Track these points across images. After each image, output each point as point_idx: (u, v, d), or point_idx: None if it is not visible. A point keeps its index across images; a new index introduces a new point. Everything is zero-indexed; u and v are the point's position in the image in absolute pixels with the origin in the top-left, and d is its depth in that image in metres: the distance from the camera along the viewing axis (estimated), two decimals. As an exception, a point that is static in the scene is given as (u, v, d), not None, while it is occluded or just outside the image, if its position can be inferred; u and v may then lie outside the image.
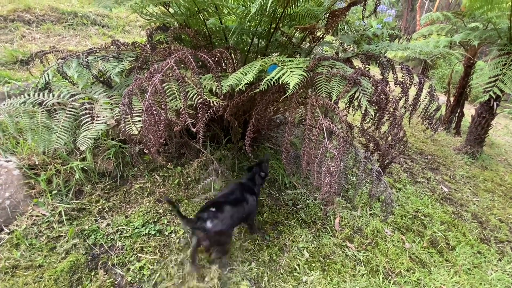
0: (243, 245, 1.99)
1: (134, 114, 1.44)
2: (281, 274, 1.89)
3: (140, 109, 1.38)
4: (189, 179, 2.36)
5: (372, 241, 2.35)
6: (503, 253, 2.60)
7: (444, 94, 5.25)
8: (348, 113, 2.45)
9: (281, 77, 1.09)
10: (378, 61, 2.05)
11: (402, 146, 2.44)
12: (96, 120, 1.47)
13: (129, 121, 1.34)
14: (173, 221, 2.00)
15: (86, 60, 1.62)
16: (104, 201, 1.96)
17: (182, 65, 1.54)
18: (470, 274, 2.29)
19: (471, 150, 4.01)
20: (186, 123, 1.33)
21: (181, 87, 1.29)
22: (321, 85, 1.24)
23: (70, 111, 1.48)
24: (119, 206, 1.98)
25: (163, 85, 1.31)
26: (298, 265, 1.96)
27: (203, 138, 2.26)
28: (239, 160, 2.64)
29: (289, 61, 1.19)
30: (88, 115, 1.46)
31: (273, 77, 1.12)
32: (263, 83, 1.15)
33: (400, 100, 1.90)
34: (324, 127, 1.17)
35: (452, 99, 4.81)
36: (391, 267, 2.16)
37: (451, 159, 3.91)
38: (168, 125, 1.40)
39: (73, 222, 1.76)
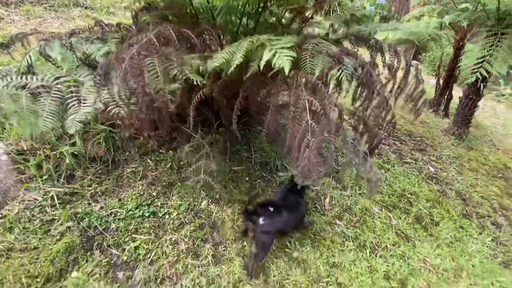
0: (236, 225, 2.06)
1: (120, 96, 1.44)
2: (273, 250, 1.98)
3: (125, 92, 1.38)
4: (181, 163, 2.38)
5: (361, 219, 2.45)
6: (483, 228, 2.76)
7: (435, 77, 5.32)
8: (338, 95, 2.49)
9: (272, 59, 1.10)
10: (368, 43, 2.07)
11: (391, 128, 2.51)
12: (83, 103, 1.46)
13: (115, 102, 1.34)
14: (167, 203, 2.04)
15: (69, 41, 1.58)
16: (96, 185, 1.97)
17: (166, 46, 1.53)
18: (452, 247, 2.43)
19: (458, 131, 4.13)
20: (168, 99, 1.33)
21: (164, 64, 1.29)
22: (305, 62, 1.26)
23: (55, 94, 1.47)
24: (112, 190, 2.00)
25: (146, 60, 1.30)
26: (290, 242, 2.04)
27: (194, 122, 2.27)
28: (231, 143, 2.67)
29: (277, 39, 1.20)
30: (75, 98, 1.45)
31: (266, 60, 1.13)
32: (261, 63, 1.14)
33: (388, 82, 1.94)
34: (306, 103, 1.20)
35: (441, 81, 4.88)
36: (378, 242, 2.27)
37: (438, 140, 4.03)
38: (152, 101, 1.41)
39: (66, 206, 1.79)
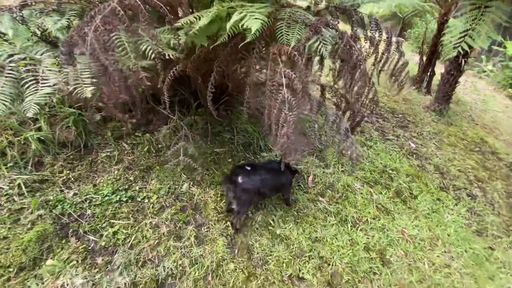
0: (219, 206, 2.07)
1: (85, 75, 1.35)
2: (257, 229, 2.02)
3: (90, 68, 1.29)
4: (160, 146, 2.33)
5: (343, 195, 2.53)
6: (459, 199, 2.92)
7: (419, 54, 5.37)
8: (321, 72, 2.47)
9: (241, 21, 1.04)
10: (349, 16, 2.02)
11: (373, 105, 2.53)
12: (42, 84, 1.36)
13: (79, 81, 1.26)
14: (145, 188, 2.01)
15: (21, 14, 1.45)
16: (68, 172, 1.90)
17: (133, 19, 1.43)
18: (429, 218, 2.57)
19: (438, 107, 4.26)
20: (143, 77, 1.27)
21: (132, 39, 1.21)
22: (281, 32, 1.22)
23: (9, 74, 1.36)
24: (86, 176, 1.94)
25: (111, 35, 1.22)
26: (273, 220, 2.09)
27: (170, 101, 2.19)
28: (212, 125, 2.63)
29: (250, 5, 1.14)
30: (32, 78, 1.35)
31: (234, 23, 1.07)
32: (228, 25, 1.09)
33: (369, 55, 1.93)
34: (282, 76, 1.18)
35: (424, 58, 4.94)
36: (359, 217, 2.37)
37: (420, 117, 4.15)
38: (124, 80, 1.34)
39: (36, 194, 1.72)
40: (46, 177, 1.82)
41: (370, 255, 2.06)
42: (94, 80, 1.41)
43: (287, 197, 2.22)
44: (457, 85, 4.19)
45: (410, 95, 4.83)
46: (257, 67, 1.97)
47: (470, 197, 2.97)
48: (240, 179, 1.86)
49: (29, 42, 1.52)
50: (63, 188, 1.81)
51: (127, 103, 2.32)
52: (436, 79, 5.11)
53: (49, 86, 1.34)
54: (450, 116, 4.38)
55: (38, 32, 1.51)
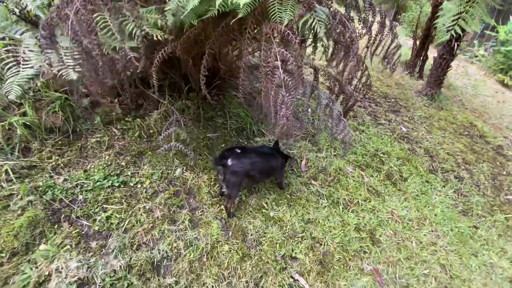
0: (213, 190, 2.09)
1: (68, 59, 1.31)
2: (250, 211, 2.06)
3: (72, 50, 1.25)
4: (151, 131, 2.31)
5: (335, 178, 2.59)
6: (447, 181, 3.03)
7: (412, 38, 5.37)
8: (314, 55, 2.45)
9: None
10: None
11: (366, 90, 2.55)
12: (24, 65, 1.31)
13: (62, 64, 1.22)
14: (138, 173, 2.01)
15: (-1, -10, 1.37)
16: (57, 157, 1.88)
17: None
18: (417, 199, 2.67)
19: (430, 92, 4.32)
20: (132, 58, 1.24)
21: (117, 19, 1.17)
22: (274, 10, 1.20)
23: (-11, 54, 1.30)
24: (76, 162, 1.92)
25: (94, 15, 1.18)
26: (266, 203, 2.13)
27: (160, 85, 2.16)
28: (204, 110, 2.61)
29: (240, -18, 1.11)
30: (13, 59, 1.30)
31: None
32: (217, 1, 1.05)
33: (361, 36, 1.92)
34: (277, 55, 1.17)
35: (418, 42, 4.95)
36: (351, 199, 2.44)
37: (411, 101, 4.21)
38: (111, 62, 1.30)
39: (25, 180, 1.70)
40: (34, 163, 1.80)
41: (361, 235, 2.14)
42: (78, 66, 1.37)
43: (280, 181, 2.25)
44: (449, 69, 4.24)
45: (403, 80, 4.87)
46: (250, 49, 1.95)
47: (457, 179, 3.09)
48: (229, 162, 1.87)
49: (7, 21, 1.45)
50: (52, 174, 1.79)
51: (115, 88, 2.28)
52: (429, 63, 5.16)
53: (31, 67, 1.30)
54: (441, 100, 4.46)
55: (17, 11, 1.44)
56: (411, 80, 5.02)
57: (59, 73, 1.38)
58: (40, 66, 1.37)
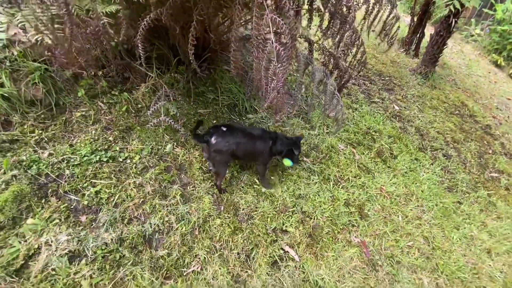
0: (205, 165, 2.10)
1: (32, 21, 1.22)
2: (242, 187, 2.09)
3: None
4: (139, 105, 2.25)
5: (327, 155, 2.62)
6: (435, 159, 3.12)
7: (410, 14, 5.26)
8: (309, 28, 2.38)
9: None
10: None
11: (361, 66, 2.52)
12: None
13: (35, 28, 1.14)
14: (126, 148, 1.98)
15: None
16: (40, 131, 1.82)
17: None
18: (406, 176, 2.76)
19: (425, 70, 4.31)
20: (105, 23, 1.17)
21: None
22: (267, -28, 1.13)
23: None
24: (61, 136, 1.87)
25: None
26: (258, 179, 2.16)
27: (147, 57, 2.07)
28: (194, 85, 2.54)
29: None
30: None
31: None
32: None
33: (358, 5, 1.87)
34: (269, 22, 1.13)
35: (415, 18, 4.86)
36: (341, 175, 2.49)
37: (406, 80, 4.21)
38: (84, 26, 1.23)
39: (6, 154, 1.65)
40: (16, 137, 1.74)
41: (350, 210, 2.21)
42: (48, 30, 1.28)
43: (261, 171, 2.10)
44: (445, 47, 4.21)
45: (398, 58, 4.83)
46: (241, 19, 1.87)
47: (445, 157, 3.18)
48: (213, 139, 1.83)
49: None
50: (36, 148, 1.74)
51: (99, 59, 2.18)
52: (425, 42, 5.10)
53: (2, 31, 1.21)
54: (435, 79, 4.48)
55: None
56: (407, 58, 4.98)
57: (34, 39, 1.30)
58: (14, 33, 1.28)
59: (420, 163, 2.97)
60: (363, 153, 2.80)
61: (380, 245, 2.06)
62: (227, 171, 2.03)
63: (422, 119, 3.58)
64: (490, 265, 2.21)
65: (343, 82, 2.58)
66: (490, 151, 3.55)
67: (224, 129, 1.89)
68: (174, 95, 2.30)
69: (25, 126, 1.80)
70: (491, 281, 2.09)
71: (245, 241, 1.78)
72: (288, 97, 3.16)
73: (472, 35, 8.69)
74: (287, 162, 2.08)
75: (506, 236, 2.51)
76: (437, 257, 2.13)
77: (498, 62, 7.17)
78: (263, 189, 2.11)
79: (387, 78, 4.12)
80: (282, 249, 1.83)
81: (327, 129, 2.92)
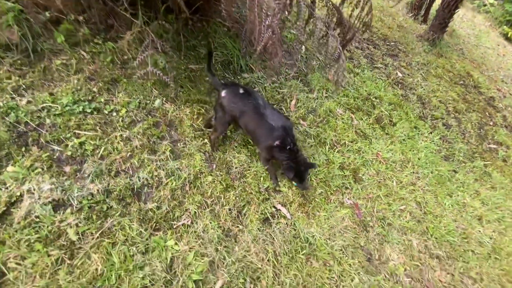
0: (196, 123, 2.04)
1: None
2: (235, 147, 2.05)
3: None
4: (125, 57, 2.12)
5: (324, 119, 2.58)
6: (435, 128, 3.11)
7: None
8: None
9: None
10: None
11: (366, 27, 2.38)
12: None
13: None
14: (112, 100, 1.89)
15: None
16: (17, 78, 1.72)
17: None
18: (403, 143, 2.75)
19: (432, 36, 4.16)
20: None
21: None
22: None
23: None
24: (40, 84, 1.77)
25: None
26: (252, 139, 2.12)
27: (132, 3, 1.91)
28: (185, 37, 2.40)
29: None
30: None
31: None
32: None
33: None
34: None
35: (427, -21, 4.59)
36: (338, 140, 2.47)
37: (411, 46, 4.06)
38: None
39: (-19, 99, 1.56)
40: (-10, 82, 1.64)
41: (344, 173, 2.22)
42: None
43: (262, 161, 1.96)
44: (457, 10, 4.02)
45: (406, 22, 4.63)
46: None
47: (445, 126, 3.17)
48: (223, 93, 1.79)
49: None
50: (14, 96, 1.65)
51: (80, 3, 2.00)
52: (435, 8, 4.87)
53: None
54: (442, 47, 4.33)
55: None
56: (414, 23, 4.78)
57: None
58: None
59: (419, 131, 2.96)
60: (362, 119, 2.76)
61: (372, 207, 2.10)
62: (225, 131, 1.98)
63: (425, 88, 3.51)
64: (479, 231, 2.28)
65: (346, 39, 2.45)
66: (491, 123, 3.54)
67: (242, 90, 1.81)
68: (163, 47, 2.16)
69: (1, 72, 1.69)
70: (480, 246, 2.17)
71: (237, 198, 1.78)
72: (287, 56, 3.04)
73: (485, 5, 8.34)
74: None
75: (499, 205, 2.58)
76: (428, 221, 2.19)
77: (509, 35, 6.97)
78: (257, 150, 2.06)
79: (392, 43, 3.97)
80: (274, 207, 1.84)
81: (326, 93, 2.84)
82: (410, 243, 2.00)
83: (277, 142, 1.76)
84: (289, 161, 1.77)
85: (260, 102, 1.81)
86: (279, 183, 1.97)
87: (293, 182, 1.91)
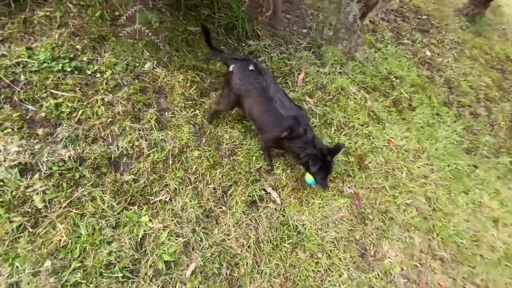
0: (188, 92, 1.84)
1: None
2: (229, 121, 1.86)
3: None
4: (116, 13, 1.90)
5: (334, 98, 2.30)
6: (460, 116, 2.75)
7: None
8: None
9: None
10: None
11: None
12: None
13: None
14: (96, 60, 1.72)
15: None
16: (-6, 28, 1.56)
17: None
18: (420, 131, 2.45)
19: (473, 11, 3.59)
20: None
21: None
22: None
23: None
24: (19, 37, 1.60)
25: None
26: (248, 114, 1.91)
27: None
28: (186, -5, 2.13)
29: None
30: None
31: None
32: None
33: None
34: None
35: None
36: (346, 121, 2.21)
37: (446, 22, 3.54)
38: None
39: (-50, 48, 1.43)
40: (-37, 31, 1.49)
41: (348, 159, 1.99)
42: None
43: (262, 148, 1.77)
44: (506, -18, 3.40)
45: (444, -6, 4.02)
46: None
47: (472, 116, 2.80)
48: (231, 67, 1.61)
49: None
50: (-12, 47, 1.51)
51: None
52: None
53: None
54: (482, 25, 3.76)
55: None
56: (454, -5, 4.15)
57: None
58: None
59: (441, 118, 2.62)
60: (377, 100, 2.45)
61: (375, 199, 1.88)
62: (229, 110, 1.80)
63: (456, 70, 3.08)
64: (493, 234, 2.04)
65: (368, 6, 2.10)
66: (526, 116, 3.11)
67: (251, 67, 1.57)
68: (157, 4, 1.91)
69: (-25, 20, 1.54)
70: (491, 251, 1.94)
71: (224, 177, 1.62)
72: (300, 23, 2.69)
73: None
74: (308, 177, 1.61)
75: (519, 207, 2.29)
76: (436, 219, 1.96)
77: None
78: (253, 126, 1.85)
79: (424, 16, 3.46)
80: (264, 189, 1.67)
81: (340, 68, 2.53)
82: (412, 241, 1.80)
83: (285, 134, 1.52)
84: (308, 150, 1.51)
85: (271, 84, 1.55)
86: (273, 164, 1.78)
87: (307, 180, 1.62)
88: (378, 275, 1.60)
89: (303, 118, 1.57)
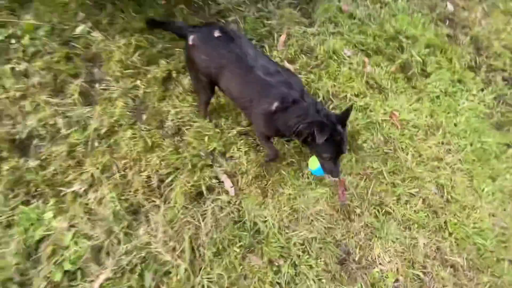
0: (130, 60, 1.49)
1: None
2: (180, 93, 1.49)
3: None
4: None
5: (322, 63, 1.85)
6: (489, 83, 2.18)
7: None
8: None
9: None
10: None
11: None
12: None
13: None
14: (12, 23, 1.40)
15: None
16: None
17: None
18: (436, 102, 1.94)
19: (513, -47, 2.84)
20: None
21: None
22: None
23: None
24: None
25: None
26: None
27: None
28: None
29: None
30: None
31: None
32: None
33: None
34: None
35: None
36: (336, 91, 1.76)
37: (477, -32, 2.84)
38: None
39: None
40: None
41: (335, 138, 1.56)
42: None
43: (259, 133, 1.36)
44: None
45: None
46: None
47: (506, 82, 2.21)
48: (190, 40, 1.17)
49: None
50: None
51: None
52: None
53: None
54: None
55: None
56: None
57: None
58: None
59: (464, 86, 2.07)
60: (380, 65, 1.96)
61: (367, 188, 1.46)
62: (212, 96, 1.34)
63: (486, 27, 2.45)
64: (529, 232, 1.55)
65: None
66: None
67: (217, 33, 1.15)
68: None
69: None
70: (524, 254, 1.47)
71: (162, 162, 1.28)
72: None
73: None
74: (312, 163, 1.24)
75: None
76: (449, 213, 1.51)
77: None
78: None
79: (447, -37, 2.79)
80: (216, 177, 1.31)
81: (334, 28, 2.04)
82: (414, 242, 1.37)
83: (276, 104, 1.10)
84: (309, 119, 1.07)
85: (248, 50, 1.14)
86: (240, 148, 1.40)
87: (309, 168, 1.27)
88: (362, 288, 1.21)
89: (297, 84, 1.17)
